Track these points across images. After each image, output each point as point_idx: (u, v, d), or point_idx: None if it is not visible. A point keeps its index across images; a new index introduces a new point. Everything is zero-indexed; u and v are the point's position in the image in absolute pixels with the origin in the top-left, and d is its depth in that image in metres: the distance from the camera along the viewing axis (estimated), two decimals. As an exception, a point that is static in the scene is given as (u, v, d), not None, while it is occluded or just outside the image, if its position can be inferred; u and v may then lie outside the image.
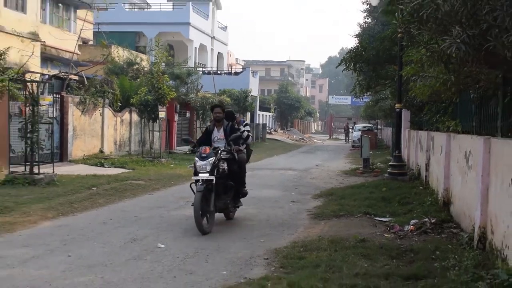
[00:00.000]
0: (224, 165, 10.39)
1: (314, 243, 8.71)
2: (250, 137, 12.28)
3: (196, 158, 10.27)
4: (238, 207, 11.48)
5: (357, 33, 37.17)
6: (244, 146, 11.63)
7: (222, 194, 10.49)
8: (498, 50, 5.76)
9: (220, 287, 6.56)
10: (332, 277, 6.67)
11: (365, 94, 25.13)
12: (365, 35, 27.89)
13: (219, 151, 10.44)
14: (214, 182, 10.00)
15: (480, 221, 7.68)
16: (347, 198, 13.81)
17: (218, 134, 11.10)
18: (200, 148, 10.49)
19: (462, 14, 5.75)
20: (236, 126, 11.85)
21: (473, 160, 8.63)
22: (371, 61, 19.94)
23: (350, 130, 57.56)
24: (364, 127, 50.02)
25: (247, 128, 12.48)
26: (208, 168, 9.99)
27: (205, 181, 9.93)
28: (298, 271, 7.04)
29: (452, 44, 5.80)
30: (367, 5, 33.35)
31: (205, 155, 10.15)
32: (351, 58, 20.26)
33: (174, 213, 11.89)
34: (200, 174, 10.03)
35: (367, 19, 35.82)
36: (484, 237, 7.55)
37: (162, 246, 8.65)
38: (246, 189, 11.64)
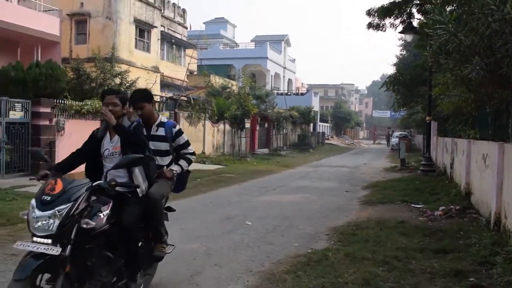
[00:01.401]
0: (103, 215, 3.88)
1: (363, 223, 8.51)
2: (193, 158, 5.16)
3: (32, 203, 3.61)
4: (147, 275, 4.84)
5: (394, 62, 36.32)
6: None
7: (97, 270, 3.90)
8: (509, 75, 5.58)
9: (293, 255, 6.48)
10: (379, 250, 6.50)
11: (401, 109, 24.70)
12: (401, 63, 27.18)
13: (95, 185, 3.82)
14: (66, 257, 3.49)
15: (495, 208, 7.36)
16: (388, 189, 13.44)
17: (111, 145, 4.36)
18: (50, 178, 3.78)
19: (480, 47, 5.54)
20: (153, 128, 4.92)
21: (489, 160, 8.27)
22: (406, 83, 19.74)
23: (390, 136, 56.13)
24: (401, 134, 48.59)
25: (182, 137, 5.05)
26: (54, 228, 3.46)
27: (41, 257, 3.40)
28: (352, 245, 6.88)
29: (473, 70, 5.59)
30: (403, 41, 32.45)
31: (49, 198, 3.57)
32: (391, 82, 20.20)
33: (257, 198, 11.85)
34: (34, 239, 3.47)
35: (403, 51, 34.79)
36: (499, 220, 7.22)
37: (249, 223, 8.64)
38: (164, 245, 4.75)
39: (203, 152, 24.86)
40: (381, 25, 17.94)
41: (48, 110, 13.33)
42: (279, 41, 56.88)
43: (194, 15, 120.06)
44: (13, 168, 12.56)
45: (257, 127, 32.98)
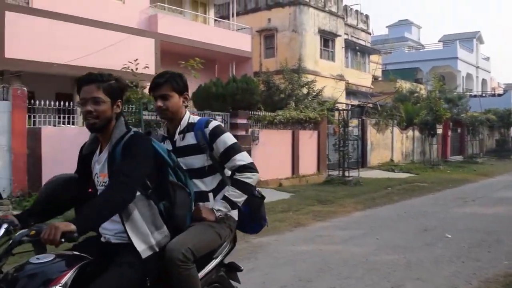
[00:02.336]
0: None
1: None
2: (252, 178, 2.97)
3: None
4: None
5: None
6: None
7: None
8: None
9: (504, 274, 5.91)
10: None
11: None
12: None
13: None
14: None
15: None
16: None
17: (98, 167, 2.61)
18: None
19: None
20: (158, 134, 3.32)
21: None
22: None
23: None
24: None
25: (223, 140, 2.95)
26: None
27: None
28: None
29: None
30: None
31: None
32: None
33: (454, 210, 11.07)
34: None
35: None
36: None
37: (449, 236, 8.10)
38: None
39: (392, 160, 24.23)
40: None
41: (245, 121, 14.35)
42: (470, 39, 52.85)
43: (377, 20, 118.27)
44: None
45: (449, 133, 31.04)
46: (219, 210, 2.92)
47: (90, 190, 2.66)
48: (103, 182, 2.56)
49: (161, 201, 2.61)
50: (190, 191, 2.78)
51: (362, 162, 21.15)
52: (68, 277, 2.15)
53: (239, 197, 2.93)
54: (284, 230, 8.45)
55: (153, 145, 2.63)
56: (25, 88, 9.76)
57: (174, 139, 3.02)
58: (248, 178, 2.95)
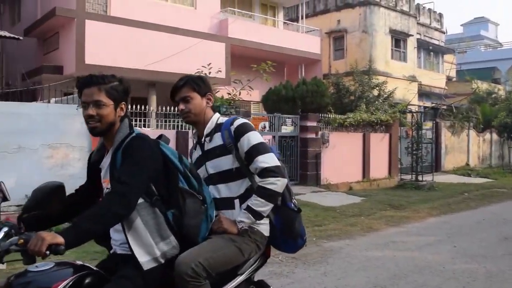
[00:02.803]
0: None
1: None
2: (277, 184, 2.61)
3: None
4: None
5: None
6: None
7: None
8: None
9: None
10: None
11: None
12: None
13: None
14: None
15: None
16: None
17: (103, 170, 2.50)
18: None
19: None
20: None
21: None
22: None
23: None
24: None
25: (247, 138, 2.70)
26: None
27: None
28: None
29: None
30: None
31: None
32: None
33: (539, 217, 10.53)
34: None
35: None
36: None
37: (533, 245, 7.74)
38: None
39: (467, 164, 23.28)
40: None
41: (315, 124, 14.31)
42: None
43: (451, 18, 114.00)
44: (284, 178, 13.83)
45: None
46: (241, 221, 2.63)
47: (101, 198, 2.54)
48: (107, 188, 2.41)
49: (170, 210, 2.41)
50: (206, 199, 2.55)
51: (436, 166, 20.43)
52: (62, 286, 2.09)
53: (263, 206, 2.61)
54: (356, 235, 8.34)
55: (161, 149, 2.46)
56: (104, 93, 10.21)
57: (202, 142, 2.84)
58: (272, 184, 2.60)
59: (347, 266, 6.25)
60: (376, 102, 18.89)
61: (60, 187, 2.49)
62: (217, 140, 2.76)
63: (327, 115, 15.08)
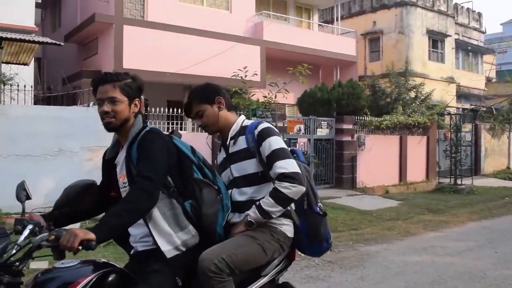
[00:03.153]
0: None
1: None
2: (291, 189, 2.58)
3: None
4: None
5: None
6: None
7: None
8: None
9: None
10: None
11: None
12: None
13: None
14: None
15: None
16: None
17: (118, 166, 2.57)
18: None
19: None
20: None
21: None
22: None
23: None
24: None
25: (269, 142, 2.68)
26: None
27: None
28: None
29: None
30: None
31: None
32: None
33: None
34: None
35: None
36: None
37: None
38: None
39: (508, 167, 22.61)
40: None
41: (350, 126, 14.19)
42: None
43: (490, 18, 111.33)
44: (319, 180, 13.71)
45: None
46: (247, 214, 2.63)
47: (112, 193, 2.61)
48: (123, 183, 2.48)
49: (187, 200, 2.47)
50: (221, 189, 2.60)
51: (475, 169, 19.93)
52: (86, 281, 2.15)
53: (272, 207, 2.59)
54: (393, 239, 8.23)
55: (175, 143, 2.52)
56: (142, 96, 10.38)
57: (227, 145, 2.83)
58: (286, 188, 2.58)
59: (385, 270, 6.18)
60: (413, 104, 18.57)
61: (92, 185, 2.54)
62: (241, 143, 2.76)
63: (363, 118, 14.94)
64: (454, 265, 6.52)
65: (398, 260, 6.75)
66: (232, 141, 2.80)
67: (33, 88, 11.02)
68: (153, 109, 10.95)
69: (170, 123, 11.59)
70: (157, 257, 2.37)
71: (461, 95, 28.04)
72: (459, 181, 15.28)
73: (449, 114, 16.83)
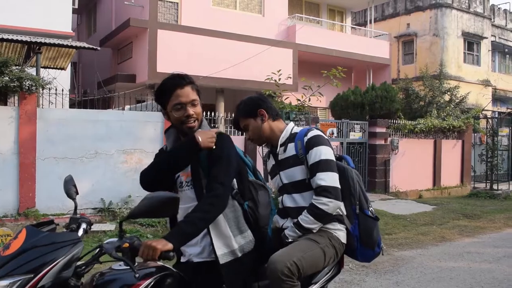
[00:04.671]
0: None
1: None
2: (328, 205, 2.60)
3: None
4: None
5: None
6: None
7: None
8: None
9: None
10: None
11: None
12: None
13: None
14: None
15: None
16: None
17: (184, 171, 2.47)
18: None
19: None
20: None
21: None
22: None
23: None
24: None
25: (316, 152, 2.69)
26: None
27: None
28: None
29: None
30: None
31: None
32: None
33: None
34: None
35: None
36: None
37: None
38: None
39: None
40: None
41: (384, 130, 14.03)
42: None
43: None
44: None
45: None
46: (288, 235, 2.66)
47: (176, 192, 2.50)
48: (186, 182, 2.43)
49: (245, 201, 2.48)
50: (269, 190, 2.66)
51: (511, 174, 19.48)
52: (145, 285, 2.11)
53: (312, 224, 2.61)
54: (428, 244, 8.10)
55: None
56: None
57: (276, 152, 2.85)
58: (323, 204, 2.58)
59: (420, 276, 6.09)
60: (448, 107, 18.26)
61: (177, 199, 2.26)
62: (291, 150, 2.77)
63: (396, 121, 14.75)
64: (491, 272, 6.38)
65: (434, 266, 6.64)
66: (282, 148, 2.82)
67: (69, 92, 11.28)
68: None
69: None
70: (212, 269, 2.33)
71: (497, 98, 27.43)
72: (495, 186, 14.92)
73: (485, 117, 16.45)
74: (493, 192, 14.48)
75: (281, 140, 2.83)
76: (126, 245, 2.09)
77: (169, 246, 2.07)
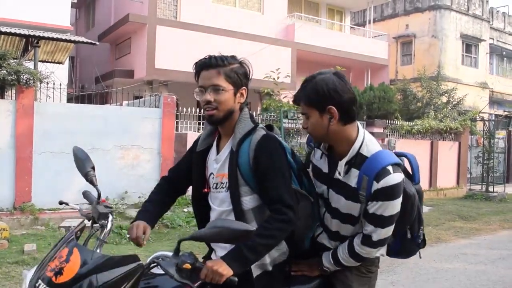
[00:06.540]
0: None
1: None
2: (370, 254, 2.27)
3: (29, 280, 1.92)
4: None
5: None
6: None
7: None
8: None
9: None
10: None
11: None
12: None
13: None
14: None
15: None
16: None
17: (215, 167, 2.24)
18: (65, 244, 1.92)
19: None
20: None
21: None
22: None
23: None
24: None
25: (386, 209, 2.13)
26: None
27: None
28: None
29: None
30: None
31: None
32: None
33: None
34: None
35: None
36: None
37: None
38: None
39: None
40: None
41: (381, 130, 14.05)
42: None
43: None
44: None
45: None
46: (326, 268, 2.35)
47: (205, 190, 2.28)
48: (221, 183, 2.18)
49: None
50: (314, 198, 2.29)
51: (507, 176, 19.53)
52: None
53: (348, 262, 2.30)
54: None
55: (282, 145, 2.19)
56: (174, 96, 10.48)
57: (337, 165, 2.24)
58: (367, 254, 2.26)
59: (416, 276, 6.11)
60: (445, 109, 18.30)
61: (249, 233, 1.90)
62: (352, 178, 2.20)
63: (393, 122, 14.77)
64: (486, 274, 6.41)
65: (429, 266, 6.66)
66: (343, 168, 2.21)
67: (67, 86, 11.24)
68: (184, 109, 11.04)
69: (201, 123, 11.68)
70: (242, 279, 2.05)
71: (495, 101, 27.53)
72: (491, 188, 14.97)
73: (482, 120, 16.50)
74: (489, 194, 14.52)
75: (348, 157, 2.20)
76: (188, 266, 1.87)
77: (232, 272, 1.93)
